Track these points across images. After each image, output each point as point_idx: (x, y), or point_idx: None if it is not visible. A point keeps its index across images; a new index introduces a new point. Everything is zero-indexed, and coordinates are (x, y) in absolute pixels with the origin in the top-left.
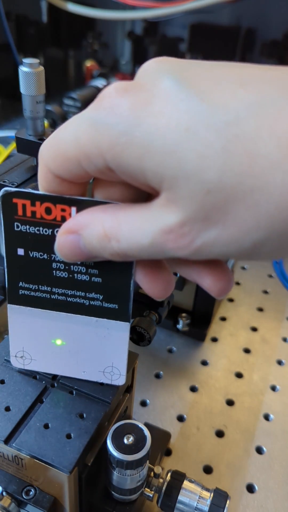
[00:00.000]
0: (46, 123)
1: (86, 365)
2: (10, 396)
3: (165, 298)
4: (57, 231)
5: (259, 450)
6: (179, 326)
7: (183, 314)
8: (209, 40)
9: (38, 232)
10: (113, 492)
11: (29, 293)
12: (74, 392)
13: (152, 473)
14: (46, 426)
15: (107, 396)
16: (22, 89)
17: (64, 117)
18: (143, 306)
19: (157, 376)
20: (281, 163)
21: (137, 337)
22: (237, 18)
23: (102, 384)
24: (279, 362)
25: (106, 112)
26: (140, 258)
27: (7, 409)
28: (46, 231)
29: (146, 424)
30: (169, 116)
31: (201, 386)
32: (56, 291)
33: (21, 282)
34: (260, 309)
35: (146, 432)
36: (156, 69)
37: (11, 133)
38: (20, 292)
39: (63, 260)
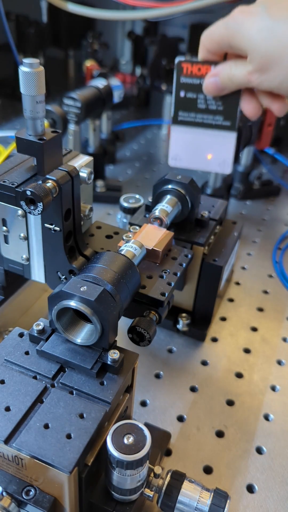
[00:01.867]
0: (46, 123)
1: (210, 161)
2: (10, 396)
3: (165, 298)
4: (202, 81)
5: (259, 450)
6: (179, 326)
7: (183, 314)
8: None
9: (192, 82)
10: (113, 492)
11: (184, 118)
12: (74, 392)
13: (152, 473)
14: (46, 426)
15: (107, 396)
16: (22, 89)
17: (64, 117)
18: (143, 306)
19: (157, 376)
20: None
21: (137, 337)
22: None
23: (102, 384)
24: (279, 362)
25: (229, 18)
26: (240, 87)
27: (7, 409)
28: (196, 81)
29: (146, 424)
30: (254, 22)
31: (201, 386)
32: (198, 116)
33: (180, 112)
34: (260, 309)
35: (146, 432)
36: (258, 1)
37: (11, 133)
38: (179, 118)
39: (205, 96)
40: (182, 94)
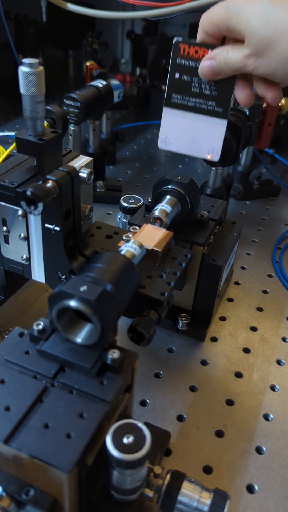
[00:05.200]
0: (45, 123)
1: (199, 147)
2: (10, 396)
3: (165, 298)
4: (198, 64)
5: (258, 450)
6: (179, 325)
7: (183, 314)
8: None
9: (188, 64)
10: (112, 492)
11: (177, 101)
12: (74, 392)
13: (152, 473)
14: (46, 426)
15: (107, 396)
16: (22, 89)
17: (64, 117)
18: (143, 306)
19: (157, 375)
20: None
21: (137, 337)
22: None
23: (102, 383)
24: (279, 362)
25: (229, 0)
26: (236, 72)
27: (7, 409)
28: (192, 63)
29: (146, 424)
30: (253, 6)
31: (200, 386)
32: (192, 100)
33: (173, 94)
34: (260, 309)
35: (146, 431)
36: None
37: (11, 133)
38: (172, 100)
39: (200, 80)
40: (177, 75)
